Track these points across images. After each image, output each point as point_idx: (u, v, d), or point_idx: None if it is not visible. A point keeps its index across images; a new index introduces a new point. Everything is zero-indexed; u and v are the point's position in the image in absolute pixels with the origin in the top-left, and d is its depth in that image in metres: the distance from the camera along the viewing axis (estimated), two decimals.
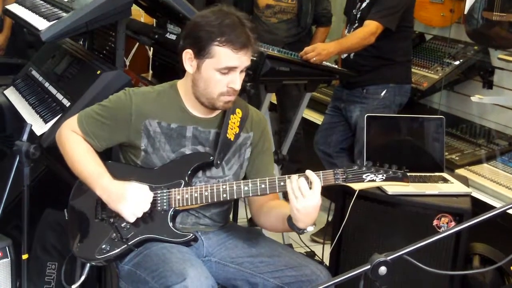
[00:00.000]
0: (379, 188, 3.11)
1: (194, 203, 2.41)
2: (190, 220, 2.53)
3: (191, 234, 2.45)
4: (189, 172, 2.45)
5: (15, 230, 3.13)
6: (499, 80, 4.32)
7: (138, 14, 5.39)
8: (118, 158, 2.63)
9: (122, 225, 2.42)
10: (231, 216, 2.76)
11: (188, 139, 2.50)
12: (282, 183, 2.33)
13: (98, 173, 2.42)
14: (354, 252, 3.23)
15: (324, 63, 3.92)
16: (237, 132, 2.53)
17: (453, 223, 3.02)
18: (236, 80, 2.38)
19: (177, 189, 2.43)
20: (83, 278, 2.50)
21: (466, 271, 3.19)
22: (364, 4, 4.03)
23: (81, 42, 3.92)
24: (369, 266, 1.67)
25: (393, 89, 4.06)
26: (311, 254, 3.98)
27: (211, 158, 2.48)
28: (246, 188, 2.37)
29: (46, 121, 3.10)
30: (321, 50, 3.76)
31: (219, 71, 2.36)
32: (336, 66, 4.22)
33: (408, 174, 2.39)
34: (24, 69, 3.91)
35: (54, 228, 3.05)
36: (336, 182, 2.35)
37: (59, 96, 3.25)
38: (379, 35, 3.89)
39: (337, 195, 3.26)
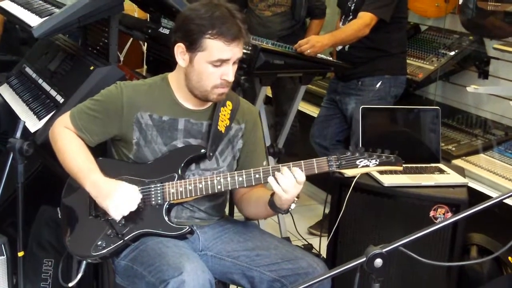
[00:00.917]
0: (375, 180, 3.11)
1: (188, 196, 2.41)
2: (185, 214, 2.53)
3: (187, 227, 2.44)
4: (182, 165, 2.45)
5: (10, 227, 3.13)
6: (494, 70, 4.31)
7: (132, 9, 5.37)
8: (111, 154, 2.62)
9: (117, 221, 2.41)
10: (227, 209, 2.76)
11: (180, 132, 2.49)
12: (276, 173, 2.33)
13: (89, 169, 2.42)
14: (351, 244, 3.22)
15: (319, 55, 3.91)
16: (227, 124, 2.53)
17: (449, 214, 3.01)
18: (229, 72, 2.38)
19: (171, 182, 2.42)
20: (80, 275, 2.49)
21: (463, 262, 3.18)
22: None
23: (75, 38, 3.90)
24: (364, 259, 1.66)
25: (388, 81, 4.05)
26: (308, 247, 3.98)
27: (203, 150, 2.47)
28: (240, 179, 2.37)
29: (40, 118, 3.10)
30: (315, 42, 3.75)
31: (212, 64, 2.36)
32: (331, 59, 4.21)
33: (404, 165, 2.40)
34: (17, 66, 3.90)
35: (50, 225, 3.04)
36: (330, 169, 2.36)
37: (53, 93, 3.24)
38: (374, 27, 3.88)
39: (333, 187, 3.25)
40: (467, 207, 2.78)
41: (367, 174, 3.11)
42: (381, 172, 3.11)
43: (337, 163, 2.35)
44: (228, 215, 2.78)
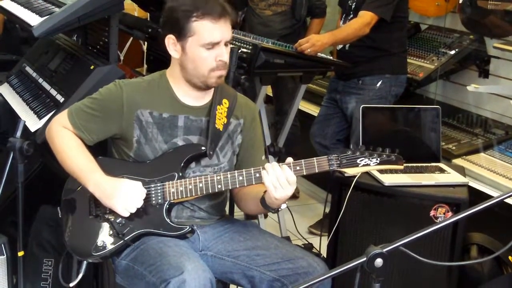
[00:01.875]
0: (375, 179, 3.10)
1: (189, 195, 2.41)
2: (185, 213, 2.53)
3: (187, 227, 2.44)
4: (182, 164, 2.45)
5: (10, 227, 3.12)
6: (495, 69, 4.31)
7: (132, 8, 5.38)
8: (111, 153, 2.61)
9: (118, 220, 2.41)
10: (227, 208, 2.76)
11: (180, 129, 2.49)
12: (266, 166, 2.32)
13: (90, 169, 2.41)
14: (351, 244, 3.22)
15: (319, 54, 3.91)
16: (225, 122, 2.53)
17: (450, 214, 3.01)
18: (223, 53, 2.40)
19: (171, 182, 2.42)
20: (80, 275, 2.49)
21: (464, 261, 3.18)
22: None
23: (74, 38, 3.90)
24: (365, 258, 1.66)
25: (388, 80, 4.05)
26: (308, 246, 3.98)
27: (203, 148, 2.47)
28: (240, 178, 2.37)
29: (40, 117, 3.10)
30: (316, 41, 3.75)
31: (204, 47, 2.37)
32: (331, 58, 4.20)
33: (405, 164, 2.40)
34: (17, 65, 3.90)
35: (50, 225, 3.04)
36: (331, 168, 2.35)
37: (53, 92, 3.24)
38: (374, 26, 3.88)
39: (333, 186, 3.25)
40: (468, 207, 2.79)
41: (368, 174, 3.11)
42: (382, 172, 3.11)
43: (338, 162, 2.35)
44: (228, 215, 2.78)
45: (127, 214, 2.37)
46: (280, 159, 3.94)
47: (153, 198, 2.42)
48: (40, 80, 3.46)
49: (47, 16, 3.07)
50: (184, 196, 2.41)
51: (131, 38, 6.15)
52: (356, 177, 3.04)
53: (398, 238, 1.72)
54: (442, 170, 3.25)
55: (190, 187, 2.40)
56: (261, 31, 4.69)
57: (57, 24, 2.99)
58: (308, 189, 5.22)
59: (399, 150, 2.39)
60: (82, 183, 2.42)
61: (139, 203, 2.37)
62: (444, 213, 3.01)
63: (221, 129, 2.51)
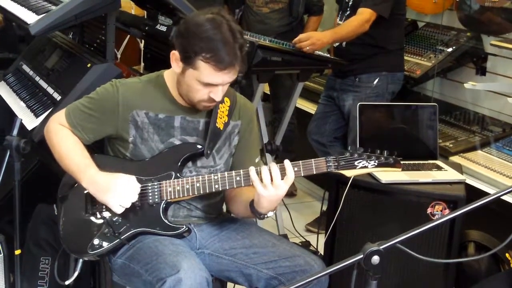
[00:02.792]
0: (372, 177, 3.10)
1: (186, 195, 2.40)
2: (182, 212, 2.53)
3: (184, 226, 2.44)
4: (179, 163, 2.44)
5: (7, 225, 3.12)
6: (492, 67, 4.32)
7: (129, 6, 5.36)
8: (107, 153, 2.61)
9: (114, 219, 2.41)
10: (224, 207, 2.75)
11: (177, 129, 2.49)
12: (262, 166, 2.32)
13: (85, 165, 2.41)
14: (348, 241, 3.22)
15: (316, 52, 3.91)
16: (226, 121, 2.53)
17: (447, 211, 3.01)
18: (218, 93, 2.36)
19: (168, 181, 2.42)
20: (76, 273, 2.49)
21: (461, 258, 3.18)
22: None
23: (71, 36, 3.90)
24: (361, 256, 1.66)
25: (385, 77, 4.05)
26: (306, 244, 3.98)
27: (201, 148, 2.47)
28: (238, 178, 2.37)
29: (37, 115, 3.09)
30: (316, 40, 3.74)
31: (201, 84, 2.34)
32: (328, 55, 4.20)
33: (402, 162, 2.39)
34: (14, 63, 3.90)
35: (47, 223, 3.03)
36: (329, 169, 2.34)
37: (50, 90, 3.24)
38: (372, 23, 3.88)
39: (330, 184, 3.25)
40: (465, 204, 2.77)
41: None
42: None
43: (336, 164, 2.34)
44: (226, 213, 2.78)
45: (120, 210, 2.36)
46: (277, 157, 3.94)
47: (150, 197, 2.42)
48: (37, 78, 3.46)
49: (44, 14, 3.06)
50: (181, 196, 2.41)
51: (128, 36, 6.15)
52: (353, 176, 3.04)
53: (395, 235, 1.72)
54: (439, 168, 3.25)
55: (187, 186, 2.40)
56: (258, 28, 4.70)
57: (54, 22, 2.98)
58: (305, 186, 5.22)
59: (396, 148, 2.39)
60: (77, 180, 2.42)
61: (134, 198, 2.36)
62: (441, 211, 3.01)
63: (221, 128, 2.51)
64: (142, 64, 5.91)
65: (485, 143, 3.98)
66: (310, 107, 5.08)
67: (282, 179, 2.27)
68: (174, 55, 2.38)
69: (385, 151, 2.37)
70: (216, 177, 2.38)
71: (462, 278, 3.17)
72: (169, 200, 2.43)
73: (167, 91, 2.50)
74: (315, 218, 4.45)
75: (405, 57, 4.30)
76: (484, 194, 3.49)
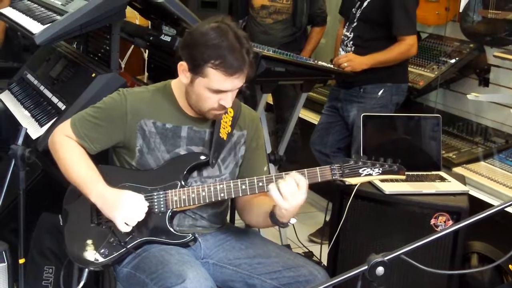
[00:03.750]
0: (376, 187, 3.11)
1: (191, 204, 2.41)
2: (187, 222, 2.53)
3: (190, 235, 2.45)
4: (185, 172, 2.45)
5: (11, 234, 3.12)
6: (495, 78, 4.32)
7: (133, 16, 5.38)
8: (112, 162, 2.61)
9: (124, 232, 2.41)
10: (228, 217, 2.76)
11: (183, 139, 2.49)
12: (278, 180, 2.32)
13: (92, 179, 2.41)
14: (352, 252, 3.22)
15: (320, 62, 3.92)
16: (229, 131, 2.53)
17: (450, 222, 3.01)
18: (227, 99, 2.37)
19: (173, 190, 2.42)
20: (82, 283, 2.49)
21: (464, 270, 3.18)
22: (365, 4, 3.99)
23: (75, 45, 3.91)
24: (366, 267, 1.66)
25: (390, 89, 4.05)
26: (309, 255, 3.98)
27: (206, 158, 2.47)
28: (243, 187, 2.37)
29: (41, 125, 3.10)
30: (354, 60, 3.85)
31: (210, 91, 2.35)
32: (332, 66, 4.21)
33: (405, 172, 2.40)
34: (19, 72, 3.90)
35: (51, 232, 3.04)
36: (334, 177, 2.36)
37: (55, 100, 3.24)
38: (377, 35, 3.90)
39: (334, 195, 3.25)
40: (468, 215, 2.79)
41: (368, 182, 3.11)
42: (382, 180, 3.10)
43: (340, 172, 2.36)
44: (229, 223, 2.78)
45: (125, 229, 2.36)
46: (281, 167, 3.95)
47: (156, 206, 2.42)
48: (42, 88, 3.47)
49: (49, 24, 3.07)
50: (186, 205, 2.41)
51: (132, 46, 6.16)
52: (357, 186, 3.04)
53: (398, 246, 1.72)
54: (442, 179, 3.25)
55: (193, 195, 2.40)
56: (262, 39, 4.71)
57: (59, 32, 2.99)
58: (308, 197, 5.14)
59: (400, 160, 2.40)
60: (84, 193, 2.42)
61: (140, 217, 2.36)
62: (445, 222, 3.01)
63: (225, 138, 2.52)
64: (146, 74, 5.93)
65: (488, 154, 3.98)
66: (313, 118, 5.09)
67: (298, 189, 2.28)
68: (182, 66, 2.38)
69: (389, 159, 2.39)
70: (221, 186, 2.39)
71: None
72: (174, 209, 2.43)
73: (174, 101, 2.51)
74: (318, 229, 4.45)
75: (409, 68, 4.30)
76: (487, 205, 3.49)
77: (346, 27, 4.16)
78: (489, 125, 4.28)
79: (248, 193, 2.38)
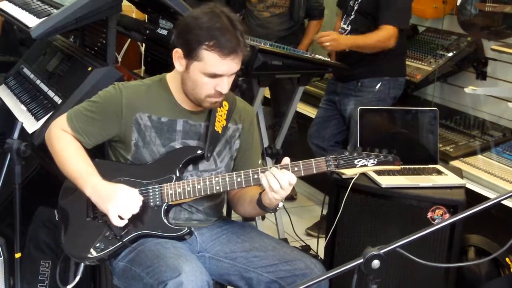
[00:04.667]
0: (373, 181, 3.10)
1: (187, 197, 2.41)
2: (183, 215, 2.53)
3: (186, 228, 2.44)
4: (180, 166, 2.45)
5: (7, 228, 3.12)
6: (492, 71, 4.32)
7: (130, 9, 5.37)
8: (108, 156, 2.61)
9: (118, 226, 2.40)
10: (224, 211, 2.75)
11: (178, 133, 2.49)
12: (266, 172, 2.32)
13: (88, 173, 2.41)
14: (348, 246, 3.22)
15: (317, 56, 3.91)
16: (224, 124, 2.53)
17: (447, 215, 3.01)
18: (224, 84, 2.37)
19: (169, 183, 2.42)
20: (78, 278, 2.49)
21: (461, 263, 3.18)
22: None
23: (71, 39, 3.90)
24: (362, 260, 1.66)
25: (388, 82, 4.05)
26: (306, 248, 3.98)
27: (201, 151, 2.47)
28: (239, 179, 2.37)
29: (37, 119, 3.10)
30: (337, 36, 3.81)
31: (206, 75, 2.34)
32: (329, 59, 4.21)
33: (402, 166, 2.40)
34: (15, 66, 3.90)
35: (47, 226, 3.03)
36: (329, 168, 2.36)
37: (51, 93, 3.24)
38: (373, 28, 3.89)
39: (331, 188, 3.25)
40: (465, 208, 2.78)
41: (365, 175, 3.11)
42: (379, 173, 3.11)
43: (335, 163, 2.35)
44: (226, 216, 2.78)
45: (118, 223, 2.36)
46: (278, 161, 3.94)
47: (151, 200, 2.42)
48: (38, 82, 3.46)
49: (45, 18, 3.07)
50: (182, 198, 2.41)
51: (129, 40, 6.16)
52: (354, 179, 3.04)
53: (395, 239, 1.72)
54: (439, 172, 3.25)
55: (188, 188, 2.40)
56: (259, 32, 4.70)
57: (55, 26, 2.98)
58: (305, 191, 5.22)
59: (396, 151, 2.40)
60: (80, 187, 2.42)
61: (135, 211, 2.36)
62: (441, 215, 3.01)
63: (220, 132, 2.52)
64: (143, 67, 5.93)
65: (485, 147, 3.98)
66: (310, 111, 5.09)
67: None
68: (177, 52, 2.38)
69: (384, 150, 2.39)
70: (216, 179, 2.39)
71: (462, 283, 3.17)
72: (170, 203, 2.43)
73: (170, 94, 2.51)
74: (315, 222, 4.45)
75: (406, 62, 4.30)
76: (484, 198, 3.49)
77: (343, 20, 4.16)
78: (486, 118, 4.28)
79: (244, 186, 2.38)
